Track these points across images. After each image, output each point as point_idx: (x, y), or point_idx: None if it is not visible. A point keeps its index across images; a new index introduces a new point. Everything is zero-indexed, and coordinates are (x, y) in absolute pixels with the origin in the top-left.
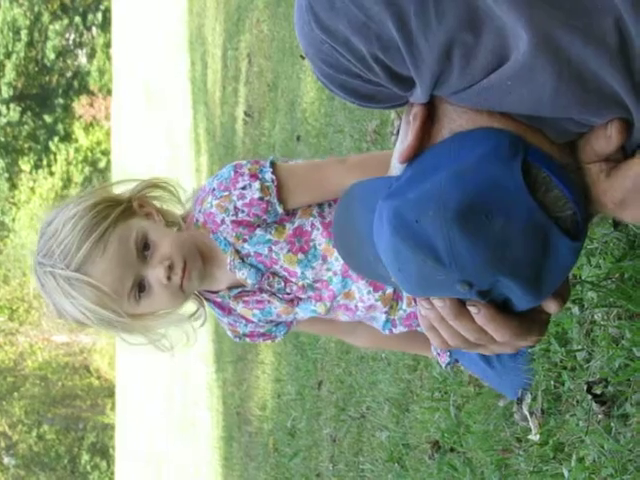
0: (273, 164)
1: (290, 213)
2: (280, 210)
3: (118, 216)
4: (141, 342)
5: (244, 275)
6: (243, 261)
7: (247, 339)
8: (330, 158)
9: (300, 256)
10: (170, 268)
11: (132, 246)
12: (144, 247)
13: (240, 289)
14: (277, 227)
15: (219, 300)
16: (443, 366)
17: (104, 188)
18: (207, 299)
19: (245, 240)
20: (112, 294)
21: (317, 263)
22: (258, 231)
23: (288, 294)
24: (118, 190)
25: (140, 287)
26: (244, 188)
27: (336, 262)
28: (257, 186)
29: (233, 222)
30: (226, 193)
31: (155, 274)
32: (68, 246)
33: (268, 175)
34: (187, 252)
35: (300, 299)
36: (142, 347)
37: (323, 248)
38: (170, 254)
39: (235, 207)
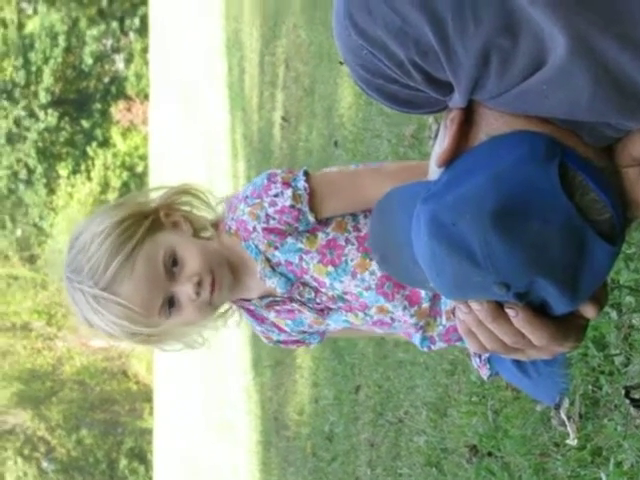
0: (307, 173)
1: (323, 222)
2: (312, 219)
3: (145, 232)
4: (176, 347)
5: (274, 284)
6: (274, 270)
7: (281, 345)
8: (364, 167)
9: (330, 268)
10: (199, 284)
11: (160, 265)
12: (173, 263)
13: (271, 298)
14: (309, 236)
15: (252, 309)
16: (485, 378)
17: (133, 199)
18: (241, 307)
19: (276, 248)
20: (141, 312)
21: (346, 278)
22: (289, 239)
23: (318, 304)
24: (150, 197)
25: (170, 303)
26: (276, 195)
27: (370, 277)
28: (289, 194)
29: (264, 229)
30: (258, 200)
31: (184, 291)
32: (96, 265)
33: (301, 183)
34: (216, 265)
35: (330, 309)
36: (177, 352)
37: (355, 264)
38: (199, 270)
39: (267, 214)
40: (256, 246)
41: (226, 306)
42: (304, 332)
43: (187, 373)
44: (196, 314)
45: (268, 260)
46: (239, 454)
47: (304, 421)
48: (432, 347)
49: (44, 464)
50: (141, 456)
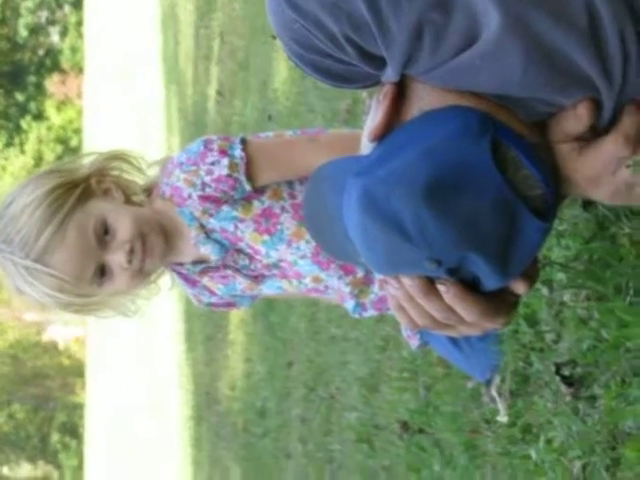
0: (244, 141)
1: (259, 190)
2: (248, 188)
3: (75, 201)
4: (109, 314)
5: (208, 250)
6: (208, 236)
7: (212, 307)
8: (301, 135)
9: (265, 237)
10: (131, 251)
11: (91, 234)
12: (104, 232)
13: (204, 265)
14: (244, 204)
15: (184, 272)
16: (414, 348)
17: (63, 167)
18: (173, 270)
19: (211, 215)
20: (73, 282)
21: (282, 246)
22: (224, 207)
23: (252, 271)
24: (80, 164)
25: (102, 272)
26: (212, 164)
27: (305, 245)
28: (226, 162)
29: (200, 197)
30: (194, 168)
31: (116, 259)
32: (26, 236)
33: (237, 152)
34: (147, 230)
35: (264, 276)
36: (110, 319)
37: (291, 232)
38: (130, 237)
39: (202, 182)
40: (190, 213)
41: (159, 272)
42: (236, 295)
43: (119, 348)
44: (128, 282)
45: (202, 227)
46: (171, 429)
47: (236, 396)
48: (363, 314)
49: None
50: (73, 430)
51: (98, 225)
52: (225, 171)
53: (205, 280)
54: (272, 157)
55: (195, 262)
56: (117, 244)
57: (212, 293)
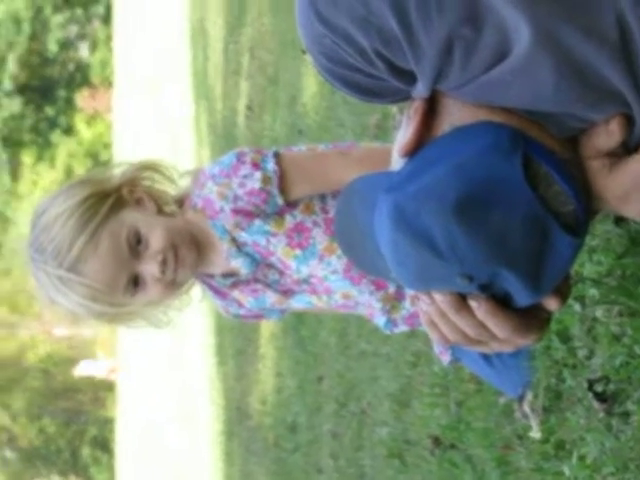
0: (276, 154)
1: (291, 205)
2: (280, 202)
3: (108, 211)
4: (141, 325)
5: (239, 264)
6: (239, 250)
7: (240, 318)
8: (334, 149)
9: (297, 252)
10: (164, 262)
11: (124, 244)
12: (136, 242)
13: (234, 278)
14: (276, 218)
15: (215, 284)
16: (445, 364)
17: (95, 176)
18: (203, 282)
19: (243, 229)
20: (106, 291)
21: (313, 261)
22: (257, 221)
23: (282, 286)
24: (112, 174)
25: (134, 282)
26: (245, 177)
27: (337, 261)
28: (258, 176)
29: (232, 210)
30: (226, 180)
31: (149, 269)
32: (59, 245)
33: (270, 165)
34: (179, 241)
35: (294, 291)
36: (143, 328)
37: (323, 247)
38: (162, 247)
39: (235, 195)
40: (222, 226)
41: (190, 283)
42: (265, 309)
43: (150, 362)
44: (161, 293)
45: (234, 240)
46: (202, 444)
47: (267, 411)
48: (395, 330)
49: (6, 453)
50: (104, 445)
51: (131, 235)
52: (258, 184)
53: (235, 293)
54: (305, 171)
55: (225, 275)
56: (150, 254)
57: (241, 305)
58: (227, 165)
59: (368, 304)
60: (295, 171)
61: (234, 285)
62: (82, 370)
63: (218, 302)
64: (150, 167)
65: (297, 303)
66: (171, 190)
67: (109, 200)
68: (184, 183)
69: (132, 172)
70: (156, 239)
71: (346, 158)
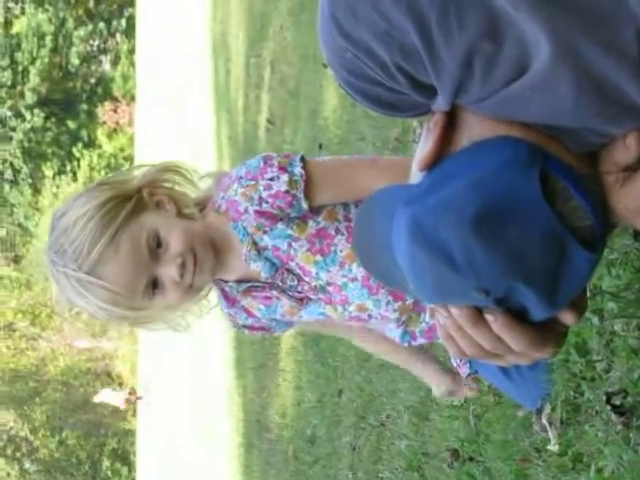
0: (303, 159)
1: (314, 210)
2: (305, 206)
3: (128, 214)
4: (160, 327)
5: (258, 267)
6: (259, 254)
7: (246, 330)
8: (360, 158)
9: (318, 257)
10: (183, 265)
11: (144, 247)
12: (156, 245)
13: (249, 284)
14: (299, 223)
15: (227, 290)
16: (463, 377)
17: (116, 180)
18: (215, 285)
19: (265, 232)
20: (125, 294)
21: (334, 268)
22: (280, 224)
23: (299, 292)
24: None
25: (153, 285)
26: (271, 179)
27: (357, 268)
28: (285, 179)
29: (256, 212)
30: (253, 182)
31: (168, 272)
32: (80, 247)
33: (297, 169)
34: (198, 245)
35: (310, 299)
36: (161, 331)
37: (344, 254)
38: (182, 251)
39: (260, 197)
40: (244, 228)
41: (208, 287)
42: (273, 319)
43: (170, 375)
44: (180, 296)
45: (255, 243)
46: (221, 456)
47: (286, 424)
48: (412, 342)
49: (27, 464)
50: (124, 457)
51: (151, 238)
52: (284, 187)
53: (246, 301)
54: (332, 177)
55: (240, 281)
56: (169, 257)
57: (250, 314)
58: (254, 167)
59: (382, 316)
60: (321, 177)
61: (247, 291)
62: (102, 398)
63: (226, 310)
64: (170, 169)
65: (308, 315)
66: (191, 192)
67: (129, 203)
68: (204, 185)
69: (153, 174)
70: (176, 242)
71: (372, 168)
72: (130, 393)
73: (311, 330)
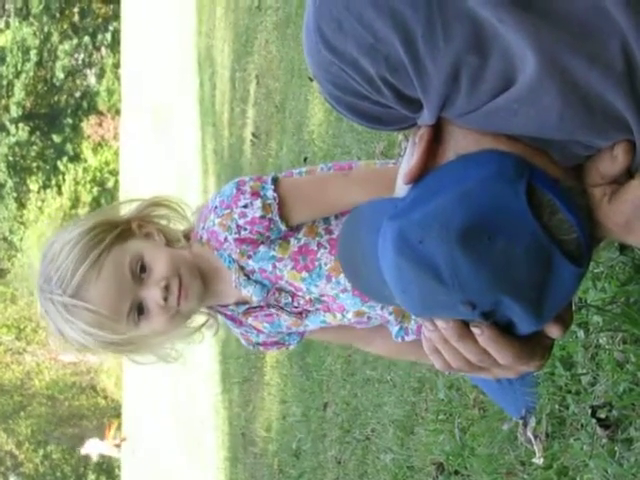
0: (275, 180)
1: (294, 228)
2: (283, 227)
3: (114, 239)
4: (150, 360)
5: (249, 292)
6: (248, 278)
7: (261, 348)
8: (333, 172)
9: (304, 274)
10: (166, 289)
11: (126, 269)
12: (141, 269)
13: (247, 306)
14: (281, 243)
15: (230, 314)
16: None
17: (104, 211)
18: (218, 312)
19: (249, 257)
20: (110, 317)
21: (321, 282)
22: (262, 248)
23: (296, 307)
24: (122, 211)
25: (139, 310)
26: (245, 206)
27: (345, 279)
28: (259, 204)
29: (236, 240)
30: (228, 211)
31: (151, 296)
32: (64, 272)
33: (270, 193)
34: (184, 270)
35: (308, 311)
36: (151, 365)
37: (329, 268)
38: (166, 274)
39: (237, 225)
40: (229, 255)
41: (204, 319)
42: (282, 332)
43: (156, 389)
44: (165, 321)
45: (242, 268)
46: (207, 470)
47: (271, 438)
48: (406, 338)
49: (11, 479)
50: (109, 471)
51: (134, 261)
52: (259, 213)
53: (250, 320)
54: (304, 195)
55: (238, 303)
56: (153, 281)
57: (259, 331)
58: (227, 196)
59: (381, 315)
60: (295, 196)
61: (248, 312)
62: (88, 449)
63: (236, 330)
64: (162, 204)
65: (312, 324)
66: (180, 226)
67: (116, 230)
68: (193, 219)
69: (143, 209)
70: (160, 266)
71: (345, 179)
72: (115, 437)
73: (326, 340)
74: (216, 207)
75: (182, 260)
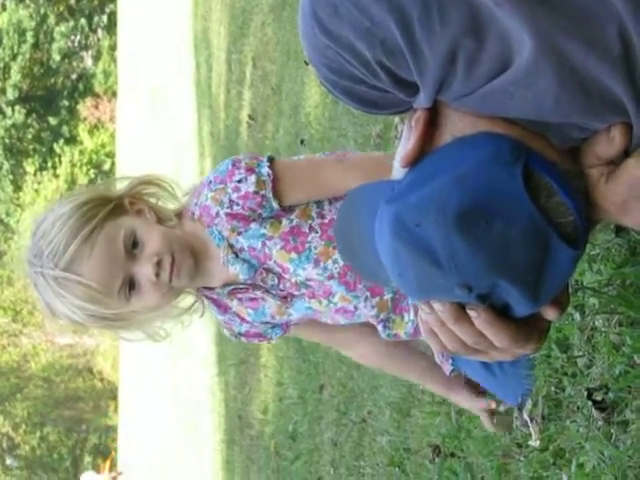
0: (271, 159)
1: (287, 209)
2: (275, 205)
3: (106, 215)
4: (139, 337)
5: (237, 269)
6: (237, 256)
7: (243, 338)
8: (330, 156)
9: (293, 255)
10: (158, 264)
11: (120, 244)
12: (133, 245)
13: (233, 286)
14: (273, 222)
15: (215, 297)
16: (447, 374)
17: (96, 187)
18: (205, 296)
19: (240, 233)
20: (102, 291)
21: (309, 265)
22: (253, 225)
23: (282, 290)
24: (114, 188)
25: (130, 285)
26: (240, 181)
27: (333, 265)
28: (253, 179)
29: (227, 215)
30: (221, 186)
31: (143, 271)
32: (56, 246)
33: (265, 169)
34: (176, 248)
35: (294, 296)
36: (141, 342)
37: (319, 252)
38: (158, 250)
39: (230, 200)
40: (219, 232)
41: (191, 300)
42: (267, 323)
43: (152, 371)
44: (157, 297)
45: (231, 246)
46: (203, 452)
47: (268, 420)
48: (396, 339)
49: (8, 461)
50: (105, 453)
51: (127, 236)
52: (252, 188)
53: (235, 304)
54: (299, 176)
55: (224, 285)
56: (145, 256)
57: (243, 320)
58: (222, 171)
59: (364, 312)
60: (289, 176)
61: (232, 293)
62: None
63: (220, 317)
64: (153, 182)
65: (297, 312)
66: (172, 206)
67: (109, 206)
68: (185, 200)
69: (135, 185)
70: (152, 242)
71: (341, 164)
72: (111, 471)
73: (310, 339)
74: (210, 182)
75: (174, 237)
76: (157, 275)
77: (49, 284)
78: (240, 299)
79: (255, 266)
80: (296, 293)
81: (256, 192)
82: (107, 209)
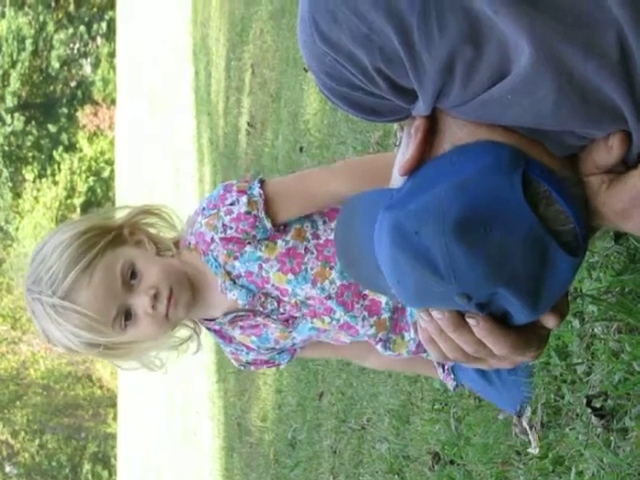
0: (262, 181)
1: (281, 230)
2: (269, 225)
3: (106, 245)
4: (134, 366)
5: (235, 296)
6: (234, 282)
7: (252, 367)
8: (315, 168)
9: (290, 276)
10: (156, 297)
11: (118, 275)
12: (131, 276)
13: (234, 314)
14: (268, 244)
15: (218, 328)
16: (451, 389)
17: (96, 215)
18: (208, 328)
19: (236, 258)
20: (98, 320)
21: (306, 286)
22: (248, 248)
23: (282, 314)
24: (114, 216)
25: (127, 315)
26: (232, 204)
27: (330, 286)
28: (244, 200)
29: (222, 239)
30: (214, 211)
31: (140, 302)
32: (55, 274)
33: (256, 190)
34: (174, 280)
35: (295, 318)
36: (136, 370)
37: (315, 272)
38: (156, 283)
39: (223, 224)
40: (215, 259)
41: (188, 333)
42: (272, 349)
43: (151, 378)
44: (152, 328)
45: (228, 273)
46: (202, 459)
47: (267, 427)
48: (398, 357)
49: (7, 468)
50: (104, 461)
51: (125, 267)
52: (244, 209)
53: (237, 333)
54: (289, 190)
55: (225, 314)
56: (143, 288)
57: (249, 348)
58: (215, 197)
59: (362, 331)
60: (280, 193)
61: (234, 321)
62: None
63: (226, 349)
64: (153, 212)
65: (300, 335)
66: (170, 235)
67: (109, 236)
68: (182, 228)
69: (135, 215)
70: (151, 275)
71: (326, 170)
72: None
73: (323, 357)
74: (204, 209)
75: (173, 270)
76: (154, 307)
77: (46, 311)
78: (242, 327)
79: (253, 291)
80: (297, 314)
81: (248, 212)
82: (107, 239)
